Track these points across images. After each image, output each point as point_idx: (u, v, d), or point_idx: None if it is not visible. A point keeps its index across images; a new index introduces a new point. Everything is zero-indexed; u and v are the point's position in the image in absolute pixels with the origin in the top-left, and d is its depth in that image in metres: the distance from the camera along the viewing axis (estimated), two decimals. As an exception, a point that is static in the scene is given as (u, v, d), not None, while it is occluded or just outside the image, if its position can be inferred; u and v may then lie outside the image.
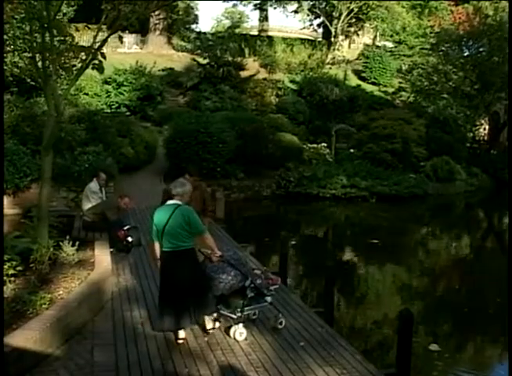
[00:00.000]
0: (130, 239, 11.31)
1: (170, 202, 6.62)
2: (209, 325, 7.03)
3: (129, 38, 39.21)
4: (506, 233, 20.78)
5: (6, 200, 15.63)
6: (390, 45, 45.78)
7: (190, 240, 6.53)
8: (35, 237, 8.89)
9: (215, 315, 7.05)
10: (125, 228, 11.48)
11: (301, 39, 48.52)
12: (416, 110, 33.36)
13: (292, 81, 37.90)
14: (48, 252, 8.36)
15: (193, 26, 47.83)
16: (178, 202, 6.56)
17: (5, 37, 9.39)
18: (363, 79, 41.86)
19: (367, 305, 11.88)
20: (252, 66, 38.22)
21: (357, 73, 42.97)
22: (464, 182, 29.24)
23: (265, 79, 36.14)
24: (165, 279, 6.69)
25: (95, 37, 9.36)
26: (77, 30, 10.18)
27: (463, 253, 18.13)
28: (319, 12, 46.66)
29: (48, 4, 8.61)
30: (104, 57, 9.20)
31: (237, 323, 6.85)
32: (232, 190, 22.78)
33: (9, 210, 15.15)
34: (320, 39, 49.45)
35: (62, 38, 9.45)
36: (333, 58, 44.04)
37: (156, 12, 35.03)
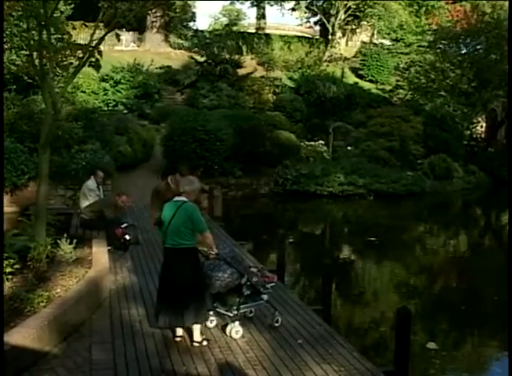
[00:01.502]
0: (127, 237, 11.30)
1: (177, 198, 6.61)
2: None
3: (126, 36, 39.16)
4: (504, 231, 20.82)
5: (4, 198, 15.60)
6: (387, 42, 45.79)
7: (193, 238, 6.52)
8: (33, 235, 8.88)
9: (212, 313, 7.05)
10: (123, 226, 11.48)
11: (299, 37, 48.55)
12: (414, 107, 33.38)
13: (290, 79, 37.91)
14: (46, 250, 8.35)
15: (191, 23, 47.83)
16: (185, 199, 6.56)
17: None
18: (361, 77, 41.85)
19: (365, 303, 11.90)
20: (250, 63, 38.19)
21: (354, 70, 42.97)
22: (462, 180, 29.29)
23: (262, 77, 36.12)
24: (165, 276, 6.69)
25: (92, 35, 9.36)
26: (73, 28, 10.14)
27: (460, 251, 18.15)
28: (316, 9, 46.64)
29: (46, 2, 8.59)
30: (100, 55, 9.20)
31: (233, 321, 6.85)
32: (230, 188, 22.80)
33: (6, 208, 15.11)
34: (318, 37, 49.45)
35: (59, 36, 9.44)
36: (331, 55, 44.04)
37: (154, 10, 34.99)
